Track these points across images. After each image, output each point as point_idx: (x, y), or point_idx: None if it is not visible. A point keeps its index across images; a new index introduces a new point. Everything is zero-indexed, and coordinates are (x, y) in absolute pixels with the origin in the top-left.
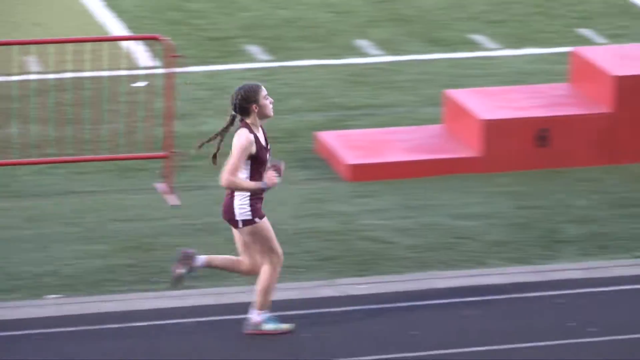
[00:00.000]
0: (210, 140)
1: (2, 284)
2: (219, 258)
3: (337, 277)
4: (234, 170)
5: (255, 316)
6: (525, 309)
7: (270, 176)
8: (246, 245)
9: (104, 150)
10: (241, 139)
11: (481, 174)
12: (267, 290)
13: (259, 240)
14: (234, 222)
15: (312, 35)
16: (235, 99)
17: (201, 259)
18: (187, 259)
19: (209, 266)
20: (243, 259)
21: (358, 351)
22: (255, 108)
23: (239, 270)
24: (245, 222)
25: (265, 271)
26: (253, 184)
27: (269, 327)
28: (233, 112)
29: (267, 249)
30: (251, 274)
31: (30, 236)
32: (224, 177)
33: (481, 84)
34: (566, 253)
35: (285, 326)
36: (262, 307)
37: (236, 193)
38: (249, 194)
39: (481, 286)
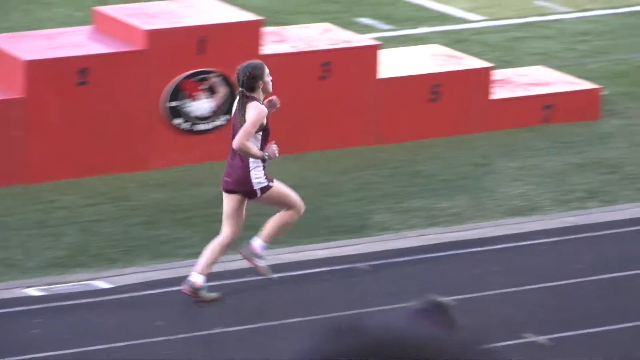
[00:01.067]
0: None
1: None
2: (207, 257)
3: None
4: (247, 136)
5: (259, 245)
6: None
7: (273, 149)
8: (233, 213)
9: None
10: (258, 110)
11: None
12: (280, 227)
13: (280, 199)
14: (250, 193)
15: None
16: (243, 77)
17: (195, 277)
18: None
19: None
20: (225, 227)
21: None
22: (261, 84)
23: (224, 246)
24: (263, 190)
25: (288, 216)
26: (260, 153)
27: (261, 263)
28: (240, 88)
29: (290, 202)
30: (230, 244)
31: None
32: (238, 140)
33: None
34: None
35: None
36: (267, 240)
37: (251, 166)
38: (261, 164)
39: None
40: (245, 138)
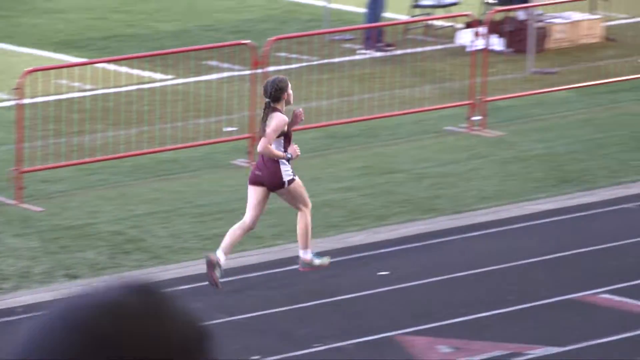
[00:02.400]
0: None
1: None
2: (227, 241)
3: None
4: (269, 141)
5: (304, 255)
6: None
7: (295, 149)
8: (258, 203)
9: None
10: (278, 120)
11: None
12: (307, 232)
13: (299, 193)
14: (279, 185)
15: None
16: (271, 89)
17: (219, 254)
18: (211, 265)
19: (227, 252)
20: (249, 217)
21: None
22: (285, 96)
23: (245, 230)
24: (290, 182)
25: (302, 219)
26: (282, 154)
27: (317, 261)
28: (267, 100)
29: (302, 200)
30: (252, 229)
31: None
32: (261, 145)
33: None
34: None
35: (325, 259)
36: (306, 246)
37: (280, 162)
38: (289, 162)
39: None
40: (267, 142)
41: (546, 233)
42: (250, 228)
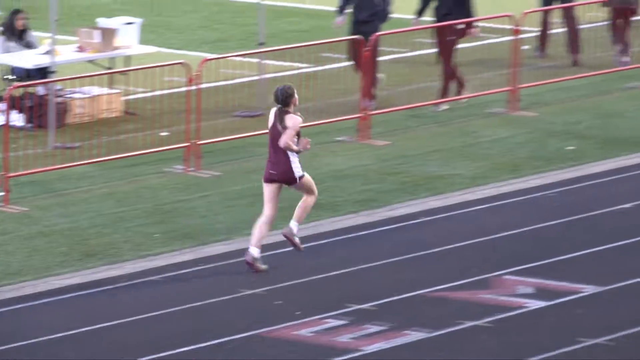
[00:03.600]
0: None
1: None
2: (257, 237)
3: None
4: (290, 138)
5: (295, 226)
6: None
7: (305, 143)
8: (273, 198)
9: None
10: (296, 120)
11: None
12: (306, 211)
13: (309, 185)
14: (292, 180)
15: None
16: (282, 95)
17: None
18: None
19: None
20: (268, 209)
21: None
22: (294, 101)
23: (269, 223)
24: (301, 177)
25: (310, 200)
26: (297, 147)
27: (296, 237)
28: (278, 104)
29: (312, 189)
30: (272, 222)
31: None
32: (284, 141)
33: None
34: None
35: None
36: (300, 220)
37: (292, 159)
38: (297, 157)
39: None
40: (289, 139)
41: (73, 308)
42: (272, 219)
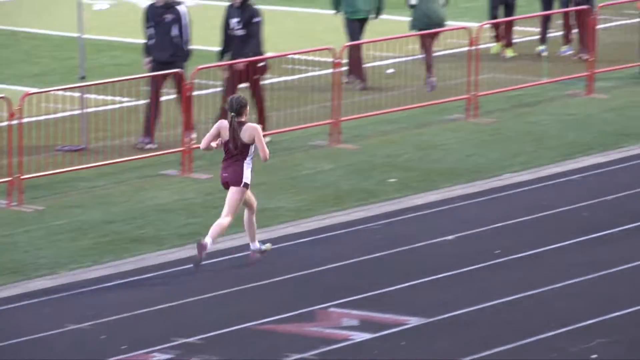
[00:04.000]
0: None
1: None
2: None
3: None
4: (265, 147)
5: (255, 245)
6: None
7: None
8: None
9: None
10: (259, 129)
11: None
12: (254, 225)
13: (240, 198)
14: (238, 183)
15: None
16: (236, 104)
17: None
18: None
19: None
20: (237, 210)
21: None
22: (246, 111)
23: (251, 218)
24: (246, 184)
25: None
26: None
27: (264, 247)
28: (232, 114)
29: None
30: (254, 214)
31: None
32: (264, 155)
33: None
34: None
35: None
36: (254, 239)
37: (245, 168)
38: (251, 167)
39: None
40: (266, 149)
41: None
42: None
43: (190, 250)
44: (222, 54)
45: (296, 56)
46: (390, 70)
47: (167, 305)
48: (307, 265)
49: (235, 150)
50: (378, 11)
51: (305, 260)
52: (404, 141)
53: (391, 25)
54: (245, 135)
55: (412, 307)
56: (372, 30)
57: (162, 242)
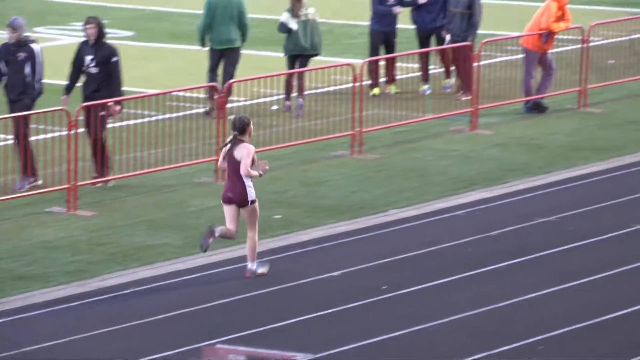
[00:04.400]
0: (225, 145)
1: None
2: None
3: None
4: (249, 166)
5: (252, 266)
6: None
7: (263, 165)
8: (235, 217)
9: None
10: (250, 149)
11: None
12: (255, 247)
13: (255, 214)
14: (245, 203)
15: None
16: (239, 124)
17: (218, 230)
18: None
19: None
20: (232, 227)
21: None
22: (249, 131)
23: (231, 236)
24: (252, 201)
25: (253, 236)
26: (256, 172)
27: (260, 270)
28: (235, 132)
29: (254, 220)
30: (234, 237)
31: None
32: (245, 170)
33: None
34: None
35: (267, 267)
36: (254, 259)
37: (247, 184)
38: (252, 183)
39: None
40: (247, 167)
41: None
42: (235, 233)
43: (76, 288)
44: (68, 89)
45: (180, 93)
46: (275, 107)
47: (53, 343)
48: (194, 302)
49: (231, 169)
50: (244, 38)
51: (191, 297)
52: (289, 177)
53: (274, 62)
54: (238, 154)
55: (299, 343)
56: (258, 67)
57: (48, 280)
